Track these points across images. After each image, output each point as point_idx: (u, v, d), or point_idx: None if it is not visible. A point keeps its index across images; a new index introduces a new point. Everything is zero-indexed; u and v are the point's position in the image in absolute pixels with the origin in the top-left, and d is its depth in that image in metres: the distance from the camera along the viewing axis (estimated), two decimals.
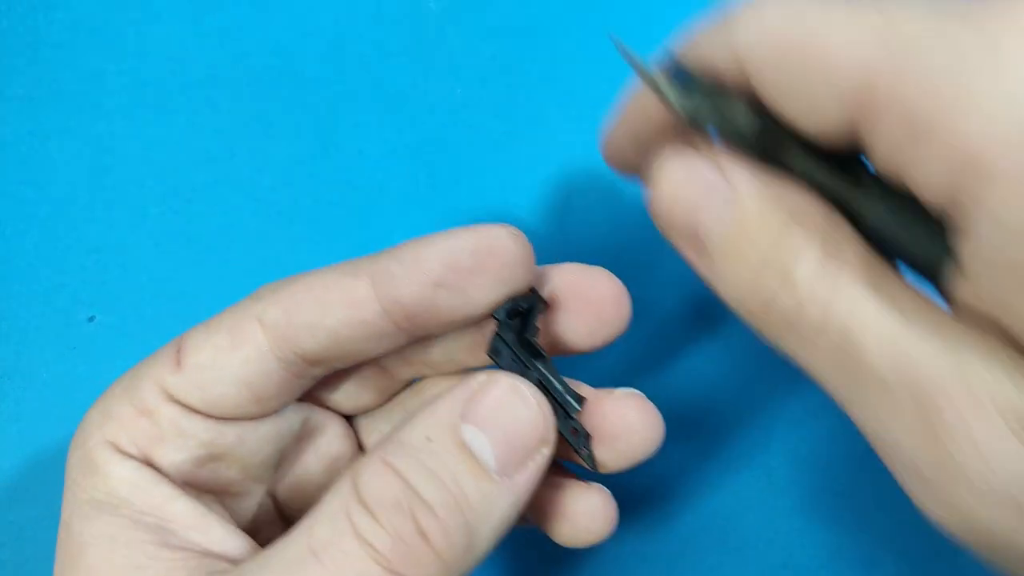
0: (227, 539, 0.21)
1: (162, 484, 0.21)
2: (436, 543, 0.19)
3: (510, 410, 0.20)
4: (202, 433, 0.22)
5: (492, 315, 0.22)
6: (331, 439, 0.25)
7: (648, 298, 0.32)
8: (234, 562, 0.21)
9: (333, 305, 0.21)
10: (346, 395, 0.25)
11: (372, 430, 0.26)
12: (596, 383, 0.24)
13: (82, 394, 0.32)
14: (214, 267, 0.33)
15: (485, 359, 0.23)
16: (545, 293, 0.23)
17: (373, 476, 0.19)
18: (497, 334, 0.22)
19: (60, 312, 0.33)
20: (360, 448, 0.26)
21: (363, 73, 0.36)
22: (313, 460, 0.25)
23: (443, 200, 0.34)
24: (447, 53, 0.36)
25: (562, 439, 0.22)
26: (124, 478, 0.21)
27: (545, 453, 0.20)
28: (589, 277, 0.23)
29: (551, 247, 0.34)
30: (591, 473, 0.23)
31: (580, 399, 0.22)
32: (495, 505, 0.19)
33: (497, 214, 0.34)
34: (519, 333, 0.22)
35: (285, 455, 0.24)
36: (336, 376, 0.24)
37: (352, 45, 0.36)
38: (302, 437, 0.24)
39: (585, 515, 0.23)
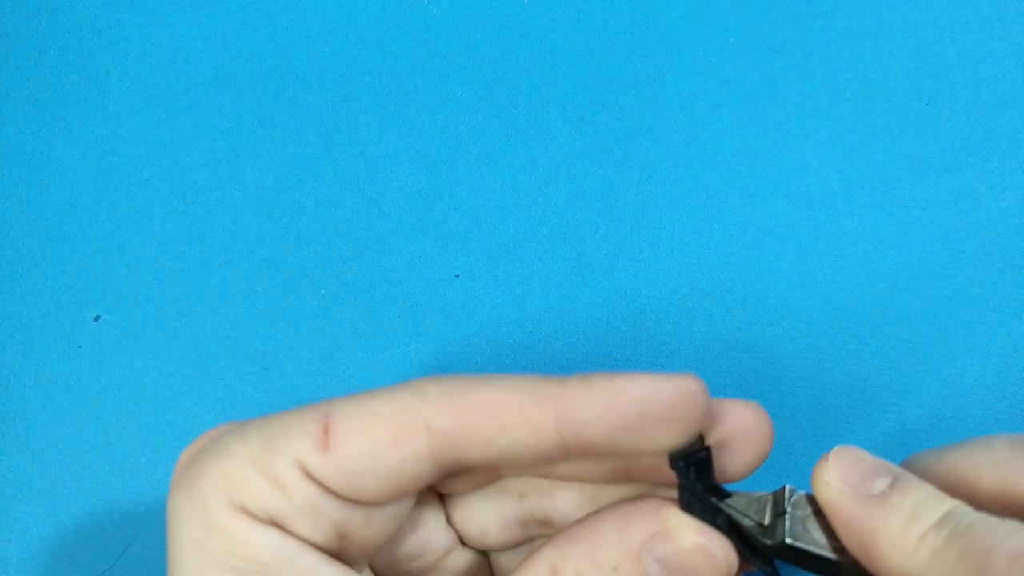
0: None
1: (307, 552, 0.21)
2: None
3: (697, 566, 0.21)
4: (335, 513, 0.21)
5: (672, 466, 0.22)
6: (427, 513, 0.25)
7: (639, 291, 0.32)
8: None
9: (511, 429, 0.21)
10: (455, 481, 0.25)
11: (462, 506, 0.25)
12: None
13: (88, 393, 0.32)
14: (219, 267, 0.34)
15: (609, 474, 0.23)
16: (716, 433, 0.23)
17: None
18: (682, 486, 0.22)
19: (66, 312, 0.33)
20: (448, 521, 0.26)
21: (365, 76, 0.36)
22: (410, 532, 0.25)
23: (445, 202, 0.35)
24: (448, 56, 0.36)
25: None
26: (266, 546, 0.20)
27: None
28: (749, 417, 0.23)
29: (544, 242, 0.34)
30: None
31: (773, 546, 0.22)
32: None
33: (497, 214, 0.34)
34: (701, 480, 0.22)
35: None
36: None
37: (354, 48, 0.36)
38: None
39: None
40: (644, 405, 0.20)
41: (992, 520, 0.19)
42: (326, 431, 0.21)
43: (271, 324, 0.33)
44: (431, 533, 0.25)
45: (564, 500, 0.24)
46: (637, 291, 0.34)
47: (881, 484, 0.20)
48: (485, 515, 0.25)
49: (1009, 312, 0.34)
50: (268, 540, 0.20)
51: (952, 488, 0.21)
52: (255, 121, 0.35)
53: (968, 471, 0.22)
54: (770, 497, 0.22)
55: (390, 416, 0.21)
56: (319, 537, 0.21)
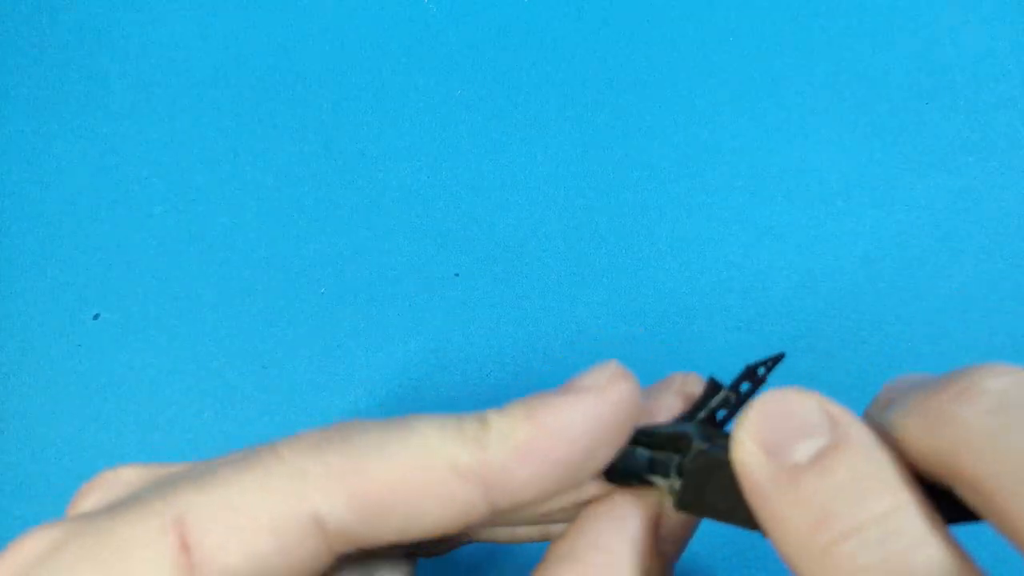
0: None
1: None
2: None
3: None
4: None
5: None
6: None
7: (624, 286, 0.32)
8: None
9: (428, 510, 0.16)
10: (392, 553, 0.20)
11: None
12: None
13: (87, 391, 0.32)
14: (218, 266, 0.34)
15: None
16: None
17: None
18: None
19: (65, 310, 0.33)
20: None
21: (364, 75, 0.36)
22: None
23: (444, 201, 0.35)
24: (448, 56, 0.36)
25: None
26: None
27: None
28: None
29: (545, 242, 0.34)
30: None
31: None
32: None
33: (497, 213, 0.34)
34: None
35: None
36: None
37: (353, 47, 0.36)
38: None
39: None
40: (586, 447, 0.16)
41: (928, 524, 0.14)
42: (185, 547, 0.15)
43: (271, 323, 0.33)
44: None
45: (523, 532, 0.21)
46: (637, 290, 0.34)
47: (804, 451, 0.15)
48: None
49: (1009, 312, 0.34)
50: None
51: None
52: (255, 120, 0.35)
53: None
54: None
55: (264, 511, 0.16)
56: None
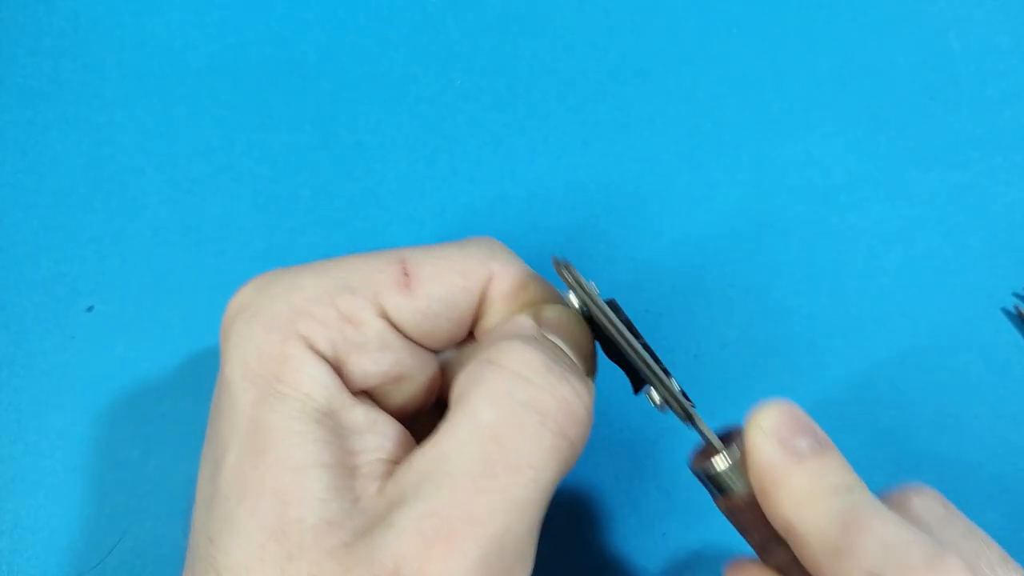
0: (396, 449, 0.22)
1: (344, 391, 0.22)
2: (588, 402, 0.21)
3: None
4: (401, 352, 0.23)
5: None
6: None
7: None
8: None
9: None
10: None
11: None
12: None
13: (81, 384, 0.32)
14: (212, 257, 0.33)
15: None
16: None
17: (518, 352, 0.21)
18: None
19: (59, 302, 0.33)
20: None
21: (362, 64, 0.36)
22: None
23: (442, 192, 0.34)
24: (446, 45, 0.36)
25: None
26: (314, 377, 0.21)
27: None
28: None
29: (544, 235, 0.34)
30: None
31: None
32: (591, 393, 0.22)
33: (495, 207, 0.34)
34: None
35: None
36: None
37: (351, 36, 0.36)
38: None
39: None
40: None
41: (880, 505, 0.21)
42: (406, 273, 0.23)
43: None
44: (430, 388, 0.26)
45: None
46: (639, 284, 0.33)
47: (804, 443, 0.22)
48: None
49: (1013, 307, 0.34)
50: (318, 372, 0.21)
51: None
52: (250, 110, 0.35)
53: None
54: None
55: (461, 262, 0.23)
56: (380, 373, 0.22)
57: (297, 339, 0.21)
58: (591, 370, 0.24)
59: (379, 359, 0.22)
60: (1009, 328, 0.33)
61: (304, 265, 0.23)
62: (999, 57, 0.37)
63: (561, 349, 0.23)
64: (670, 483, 0.32)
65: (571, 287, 0.23)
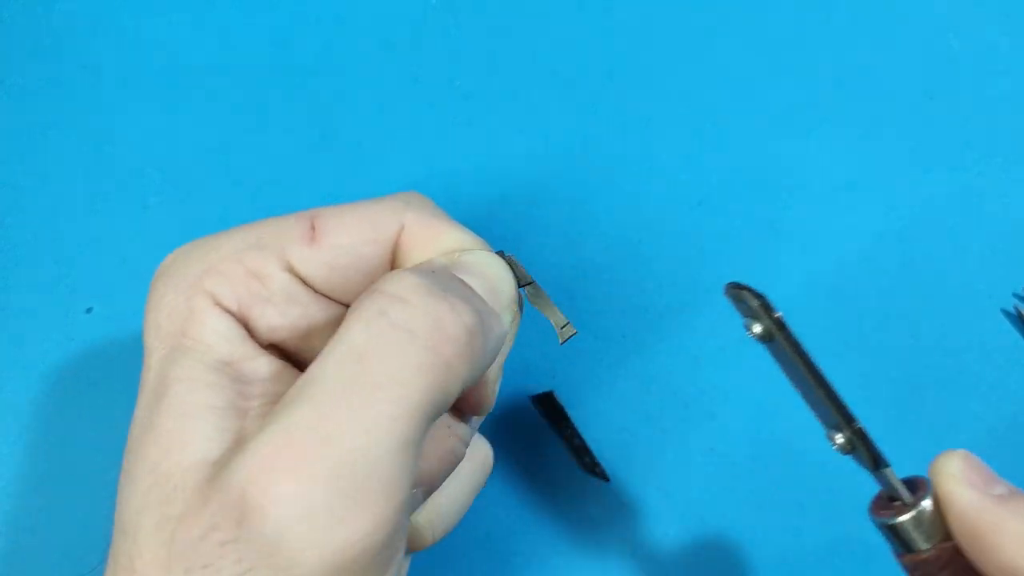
0: None
1: (248, 342, 0.22)
2: (468, 322, 0.20)
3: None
4: (311, 306, 0.23)
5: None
6: None
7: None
8: None
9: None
10: None
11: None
12: None
13: (80, 384, 0.32)
14: None
15: None
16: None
17: (399, 277, 0.21)
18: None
19: (59, 303, 0.33)
20: None
21: (362, 66, 0.36)
22: None
23: (441, 193, 0.34)
24: (446, 46, 0.36)
25: None
26: (216, 329, 0.21)
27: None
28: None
29: (545, 238, 0.34)
30: None
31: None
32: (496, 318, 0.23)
33: (496, 206, 0.34)
34: None
35: None
36: None
37: (351, 38, 0.36)
38: None
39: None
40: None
41: None
42: (313, 228, 0.23)
43: None
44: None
45: None
46: (637, 285, 0.33)
47: (1000, 489, 0.22)
48: None
49: (1013, 307, 0.34)
50: (220, 325, 0.21)
51: None
52: (250, 111, 0.35)
53: None
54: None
55: (370, 214, 0.23)
56: (286, 326, 0.22)
57: (203, 295, 0.22)
58: (512, 312, 0.25)
59: (285, 311, 0.22)
60: (1009, 328, 0.33)
61: (227, 230, 0.24)
62: (999, 57, 0.37)
63: (460, 280, 0.22)
64: (670, 483, 0.32)
65: (756, 316, 0.22)
